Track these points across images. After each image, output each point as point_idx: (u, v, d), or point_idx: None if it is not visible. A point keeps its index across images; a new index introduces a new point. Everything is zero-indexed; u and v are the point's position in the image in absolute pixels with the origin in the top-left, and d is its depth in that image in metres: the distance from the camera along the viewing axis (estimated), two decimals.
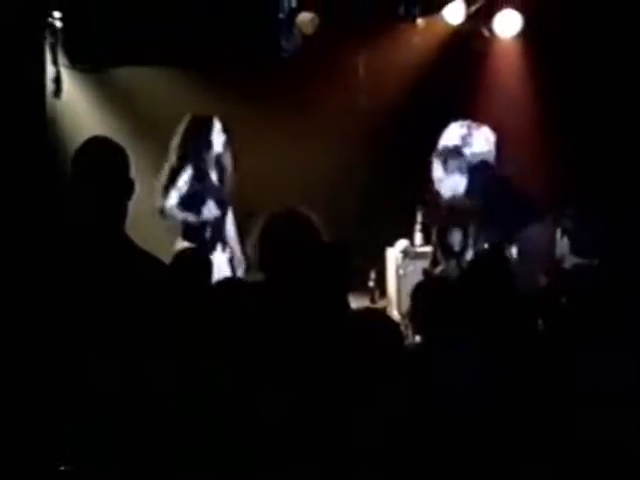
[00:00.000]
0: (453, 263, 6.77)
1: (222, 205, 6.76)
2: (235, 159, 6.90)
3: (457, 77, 8.20)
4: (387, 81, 8.37)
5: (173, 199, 6.60)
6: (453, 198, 6.77)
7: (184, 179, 6.60)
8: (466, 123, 8.13)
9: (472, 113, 8.17)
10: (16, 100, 6.99)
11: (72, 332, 2.89)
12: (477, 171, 6.84)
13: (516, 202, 6.63)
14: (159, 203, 6.61)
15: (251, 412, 3.07)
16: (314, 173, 8.26)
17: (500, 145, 8.09)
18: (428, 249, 7.45)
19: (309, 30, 7.87)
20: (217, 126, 6.76)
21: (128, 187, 3.09)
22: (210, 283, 4.98)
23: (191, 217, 6.62)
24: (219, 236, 6.72)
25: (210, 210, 6.68)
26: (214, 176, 6.77)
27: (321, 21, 7.89)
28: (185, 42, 7.76)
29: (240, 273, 6.64)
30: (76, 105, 8.10)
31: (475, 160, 7.07)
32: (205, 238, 6.63)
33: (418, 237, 7.89)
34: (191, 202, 6.63)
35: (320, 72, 8.21)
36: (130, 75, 8.32)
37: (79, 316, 2.90)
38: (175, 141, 6.72)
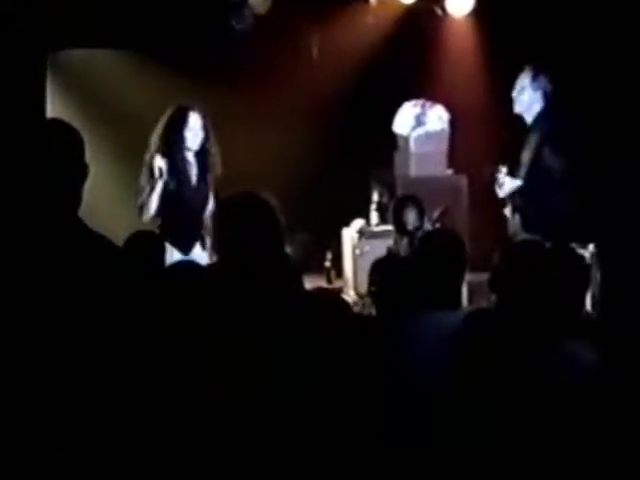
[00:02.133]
0: (405, 241, 6.81)
1: (202, 202, 6.32)
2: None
3: (410, 56, 8.22)
4: (341, 61, 8.37)
5: (152, 209, 6.20)
6: None
7: (160, 186, 6.16)
8: (420, 102, 8.21)
9: (426, 92, 8.22)
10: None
11: (20, 319, 2.87)
12: None
13: None
14: (140, 210, 6.22)
15: (203, 392, 3.08)
16: (267, 154, 8.25)
17: (453, 123, 8.16)
18: (384, 228, 7.49)
19: (262, 10, 7.83)
20: (193, 117, 6.27)
21: (82, 171, 3.06)
22: (163, 265, 4.97)
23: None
24: (198, 232, 6.31)
25: (188, 214, 6.29)
26: (194, 172, 6.34)
27: (274, 1, 7.85)
28: (135, 24, 7.69)
29: None
30: None
31: None
32: (183, 234, 6.27)
33: (374, 216, 7.92)
34: (170, 207, 6.23)
35: (273, 52, 8.19)
36: (82, 57, 8.24)
37: (28, 302, 2.88)
38: (152, 138, 6.26)
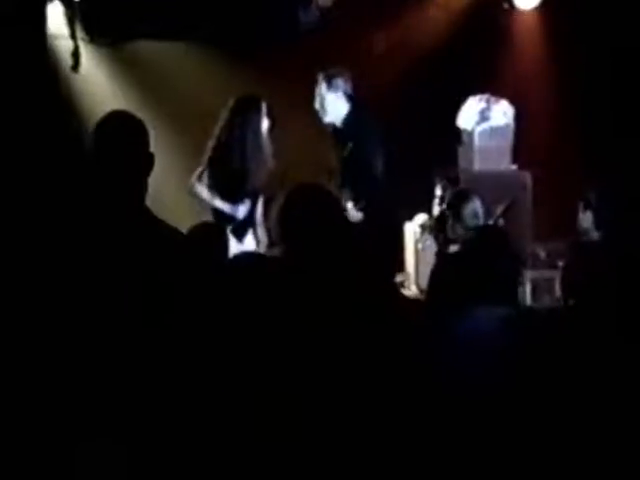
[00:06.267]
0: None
1: (256, 192, 6.49)
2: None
3: (476, 50, 8.16)
4: (406, 54, 8.34)
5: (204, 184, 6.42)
6: None
7: (223, 166, 6.41)
8: (485, 97, 8.13)
9: (491, 86, 8.16)
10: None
11: (91, 308, 2.91)
12: None
13: None
14: (192, 182, 6.47)
15: (264, 383, 3.09)
16: (331, 148, 8.23)
17: (519, 118, 8.09)
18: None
19: (327, 3, 7.84)
20: (264, 109, 6.50)
21: (148, 162, 3.09)
22: (226, 256, 5.00)
23: (226, 207, 6.43)
24: (250, 222, 6.45)
25: (244, 201, 6.45)
26: (254, 162, 6.48)
27: None
28: (202, 16, 7.75)
29: None
30: (94, 79, 8.10)
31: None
32: (236, 223, 6.41)
33: (437, 211, 7.86)
34: (227, 191, 6.44)
35: (338, 46, 8.17)
36: (149, 49, 8.31)
37: (97, 292, 2.91)
38: (221, 123, 6.47)
